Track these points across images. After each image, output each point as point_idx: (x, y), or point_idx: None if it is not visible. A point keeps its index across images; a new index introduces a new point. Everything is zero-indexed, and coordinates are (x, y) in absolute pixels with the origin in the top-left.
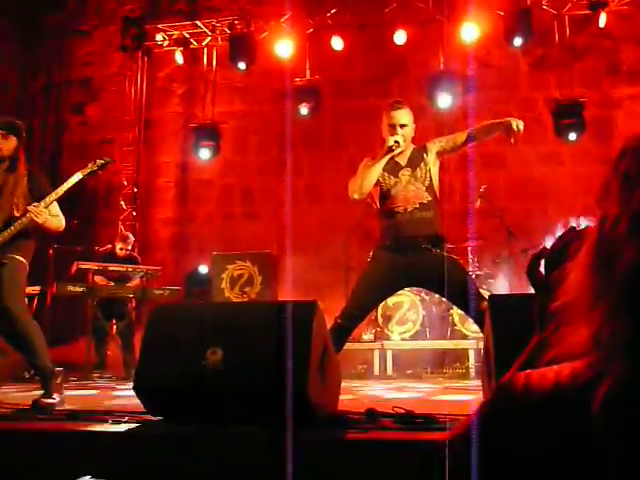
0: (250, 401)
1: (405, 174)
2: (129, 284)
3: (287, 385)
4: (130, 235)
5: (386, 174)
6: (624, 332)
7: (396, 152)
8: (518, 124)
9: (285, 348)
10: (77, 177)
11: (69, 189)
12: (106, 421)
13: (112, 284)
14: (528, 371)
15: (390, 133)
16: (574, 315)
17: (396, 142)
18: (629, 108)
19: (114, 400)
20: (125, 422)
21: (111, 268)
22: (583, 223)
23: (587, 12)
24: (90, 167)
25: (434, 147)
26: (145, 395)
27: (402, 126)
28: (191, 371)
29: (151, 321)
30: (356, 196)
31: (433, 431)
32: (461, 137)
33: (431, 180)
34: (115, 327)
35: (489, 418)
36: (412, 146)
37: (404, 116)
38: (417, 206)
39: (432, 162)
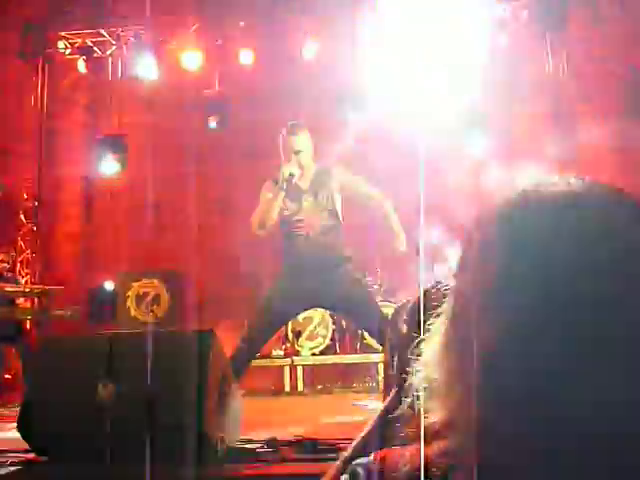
0: (144, 436)
1: (308, 199)
2: (23, 305)
3: (183, 419)
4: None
5: (288, 200)
6: (479, 420)
7: (293, 181)
8: (398, 246)
9: (181, 380)
10: None
11: None
12: None
13: None
14: (385, 452)
15: (285, 159)
16: (431, 393)
17: (291, 175)
18: None
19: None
20: (7, 465)
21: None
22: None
23: None
24: None
25: (340, 177)
26: (30, 435)
27: (297, 152)
28: (81, 408)
29: (37, 355)
30: (259, 232)
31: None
32: (366, 194)
33: (334, 203)
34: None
35: None
36: (315, 167)
37: (300, 142)
38: (319, 230)
39: (335, 188)
